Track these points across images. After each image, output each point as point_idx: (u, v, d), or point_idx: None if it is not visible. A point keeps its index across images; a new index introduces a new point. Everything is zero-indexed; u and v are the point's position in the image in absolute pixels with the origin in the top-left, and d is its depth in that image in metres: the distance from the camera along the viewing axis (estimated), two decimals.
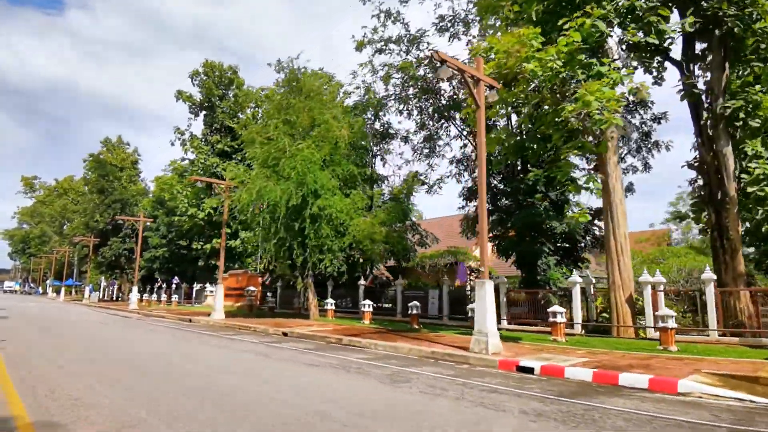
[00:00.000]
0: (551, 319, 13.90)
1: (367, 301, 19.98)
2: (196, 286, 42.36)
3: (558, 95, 12.80)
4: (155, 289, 48.42)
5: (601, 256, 25.78)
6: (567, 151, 12.30)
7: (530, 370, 9.01)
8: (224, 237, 24.79)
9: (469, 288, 22.04)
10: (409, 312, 17.58)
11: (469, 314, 16.74)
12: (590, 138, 13.04)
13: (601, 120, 11.02)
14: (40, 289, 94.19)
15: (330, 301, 22.31)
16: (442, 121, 26.98)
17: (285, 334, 15.93)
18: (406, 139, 28.69)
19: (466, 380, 8.07)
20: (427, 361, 10.30)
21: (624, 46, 14.64)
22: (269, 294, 30.46)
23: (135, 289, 35.66)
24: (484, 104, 11.85)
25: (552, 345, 12.64)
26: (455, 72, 11.47)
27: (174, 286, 44.56)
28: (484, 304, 10.79)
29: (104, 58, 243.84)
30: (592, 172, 17.00)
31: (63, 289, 63.85)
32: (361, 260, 25.32)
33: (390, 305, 23.71)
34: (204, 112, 42.17)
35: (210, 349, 12.24)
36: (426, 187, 27.01)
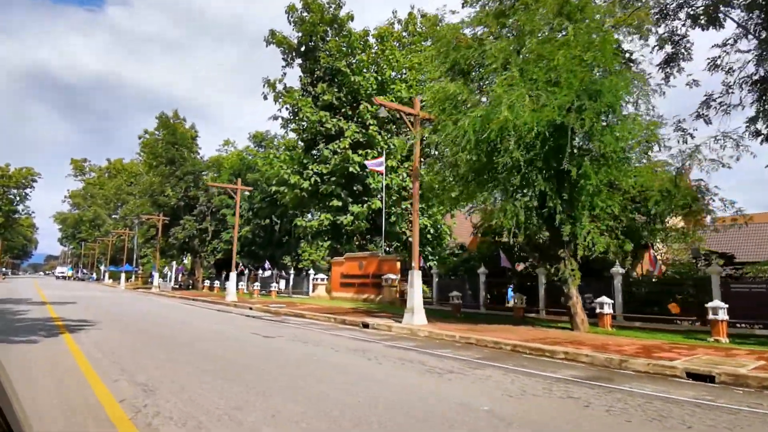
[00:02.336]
0: None
1: (719, 303, 11.21)
2: (292, 272, 34.52)
3: None
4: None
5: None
6: None
7: None
8: (417, 191, 15.77)
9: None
10: None
11: None
12: None
13: None
14: (94, 275, 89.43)
15: (607, 301, 13.58)
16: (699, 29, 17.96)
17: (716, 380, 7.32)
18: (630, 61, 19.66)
19: None
20: None
21: None
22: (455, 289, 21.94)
23: (234, 276, 27.84)
24: None
25: None
26: None
27: (263, 271, 36.94)
28: None
29: (143, 52, 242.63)
30: None
31: (124, 276, 57.68)
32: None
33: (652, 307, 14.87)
34: (299, 60, 33.94)
35: None
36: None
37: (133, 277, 65.60)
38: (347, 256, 28.73)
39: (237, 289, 37.38)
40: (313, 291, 29.83)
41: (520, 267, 20.60)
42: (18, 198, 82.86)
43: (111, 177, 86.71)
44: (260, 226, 42.16)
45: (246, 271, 40.94)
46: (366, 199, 31.79)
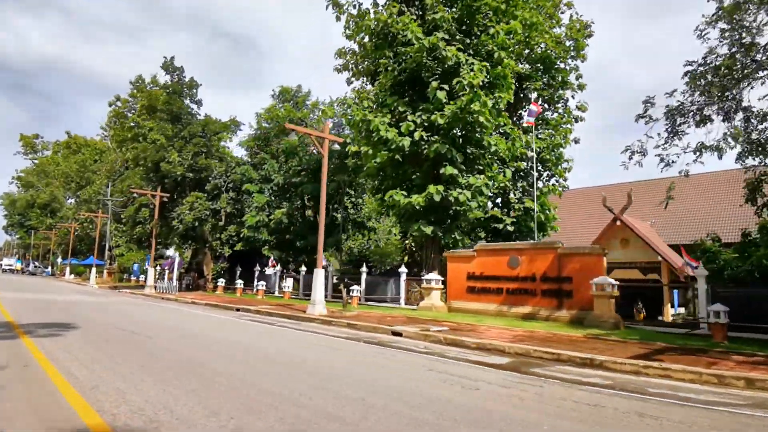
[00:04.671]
0: None
1: None
2: (364, 271, 24.51)
3: None
4: (259, 275, 30.73)
5: None
6: None
7: None
8: None
9: None
10: None
11: None
12: None
13: None
14: (49, 269, 75.85)
15: None
16: None
17: None
18: None
19: None
20: None
21: None
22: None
23: (321, 274, 17.13)
24: None
25: None
26: None
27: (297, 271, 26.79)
28: None
29: (98, 37, 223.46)
30: None
31: (94, 271, 45.98)
32: None
33: None
34: None
35: None
36: None
37: (105, 273, 53.50)
38: (482, 247, 19.12)
39: (283, 291, 27.23)
40: (424, 300, 19.95)
41: None
42: None
43: (73, 152, 73.36)
44: (295, 208, 31.95)
45: (277, 268, 30.65)
46: (480, 167, 22.36)
